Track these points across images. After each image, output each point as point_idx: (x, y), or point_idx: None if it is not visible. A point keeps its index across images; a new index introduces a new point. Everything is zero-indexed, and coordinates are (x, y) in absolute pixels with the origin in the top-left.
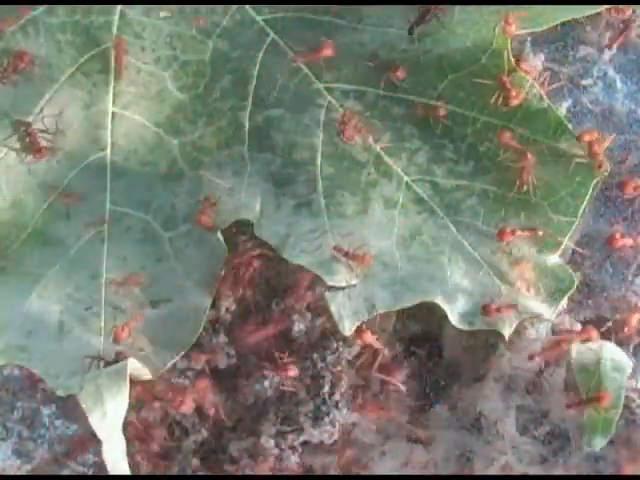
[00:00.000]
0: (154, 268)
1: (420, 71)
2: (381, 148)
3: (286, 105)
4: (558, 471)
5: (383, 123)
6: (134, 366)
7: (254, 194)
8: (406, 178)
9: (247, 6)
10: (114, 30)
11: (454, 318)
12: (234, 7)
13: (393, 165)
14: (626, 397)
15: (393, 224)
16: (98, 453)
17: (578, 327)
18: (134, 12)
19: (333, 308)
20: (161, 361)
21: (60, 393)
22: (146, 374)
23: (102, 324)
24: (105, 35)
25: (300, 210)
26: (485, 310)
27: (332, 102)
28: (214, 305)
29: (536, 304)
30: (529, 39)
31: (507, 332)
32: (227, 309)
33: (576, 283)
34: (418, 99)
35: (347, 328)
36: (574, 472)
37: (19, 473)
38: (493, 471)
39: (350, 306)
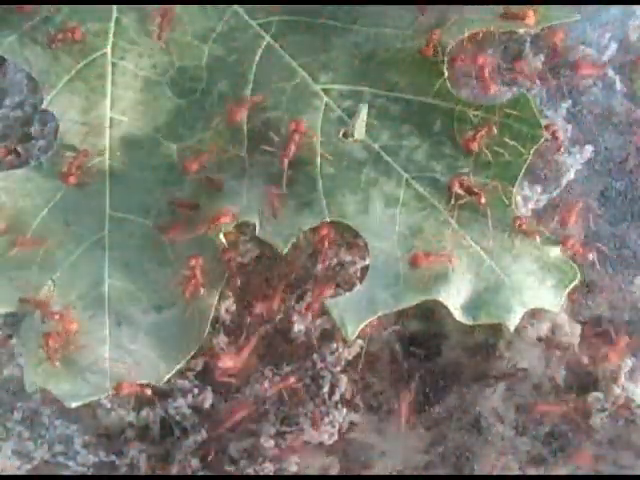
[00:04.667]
0: (157, 273)
1: (416, 70)
2: (380, 147)
3: (284, 107)
4: (558, 471)
5: (381, 122)
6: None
7: (256, 196)
8: (406, 175)
9: (241, 11)
10: (110, 36)
11: (457, 313)
12: (228, 12)
13: (392, 163)
14: (626, 397)
15: (394, 222)
16: (98, 453)
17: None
18: (129, 19)
19: (335, 314)
20: (166, 366)
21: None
22: (150, 379)
23: (107, 332)
24: (101, 42)
25: (301, 210)
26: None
27: (329, 103)
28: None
29: (541, 296)
30: (529, 39)
31: (512, 325)
32: (227, 309)
33: (579, 276)
34: (415, 98)
35: (350, 333)
36: (574, 472)
37: (19, 473)
38: (493, 471)
39: (352, 310)
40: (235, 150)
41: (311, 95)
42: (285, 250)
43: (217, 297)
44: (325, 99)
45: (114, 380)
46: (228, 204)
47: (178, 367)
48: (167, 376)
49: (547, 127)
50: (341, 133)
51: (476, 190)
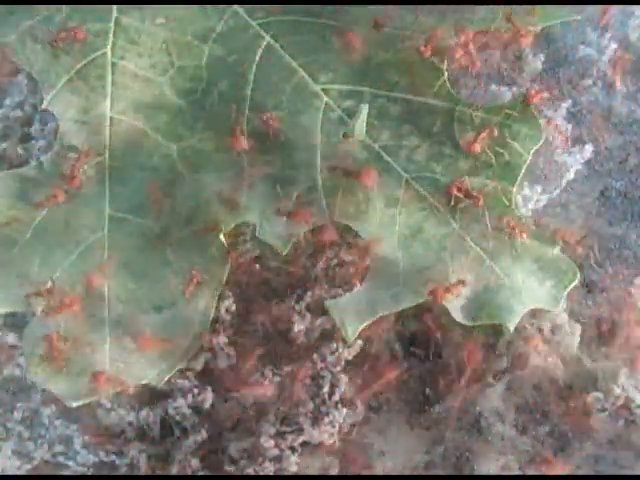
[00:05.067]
0: (156, 273)
1: (416, 70)
2: (380, 147)
3: (283, 108)
4: (558, 471)
5: (381, 122)
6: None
7: (255, 196)
8: (406, 176)
9: (241, 10)
10: (110, 36)
11: (457, 314)
12: (228, 12)
13: (392, 163)
14: (626, 397)
15: (394, 223)
16: (98, 453)
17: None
18: (130, 19)
19: (335, 315)
20: (166, 366)
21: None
22: (150, 380)
23: (107, 331)
24: (101, 42)
25: None
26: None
27: (329, 103)
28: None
29: (540, 296)
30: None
31: (512, 325)
32: (227, 309)
33: (578, 276)
34: (415, 98)
35: (350, 334)
36: (574, 472)
37: (19, 473)
38: (493, 471)
39: (352, 312)
40: (235, 150)
41: (311, 95)
42: (285, 251)
43: (217, 297)
44: (325, 99)
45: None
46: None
47: (179, 366)
48: (167, 376)
49: (548, 122)
50: (341, 134)
51: (474, 193)
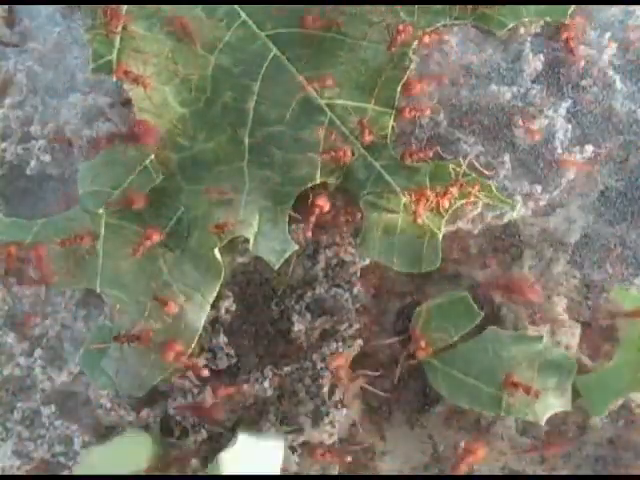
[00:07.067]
0: (148, 283)
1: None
2: (381, 166)
3: (286, 122)
4: (558, 471)
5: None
6: None
7: (252, 211)
8: (404, 199)
9: (250, 21)
10: (116, 44)
11: None
12: (237, 22)
13: (393, 184)
14: (625, 397)
15: (392, 249)
16: None
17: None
18: (137, 26)
19: None
20: (151, 375)
21: None
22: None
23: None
24: (107, 48)
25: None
26: None
27: (333, 119)
28: (214, 305)
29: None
30: (529, 39)
31: None
32: (227, 309)
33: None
34: None
35: None
36: (574, 472)
37: (19, 473)
38: (493, 471)
39: None
40: (235, 163)
41: (315, 110)
42: (277, 266)
43: (207, 310)
44: (329, 114)
45: None
46: (224, 216)
47: (160, 378)
48: (150, 385)
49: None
50: (343, 151)
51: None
